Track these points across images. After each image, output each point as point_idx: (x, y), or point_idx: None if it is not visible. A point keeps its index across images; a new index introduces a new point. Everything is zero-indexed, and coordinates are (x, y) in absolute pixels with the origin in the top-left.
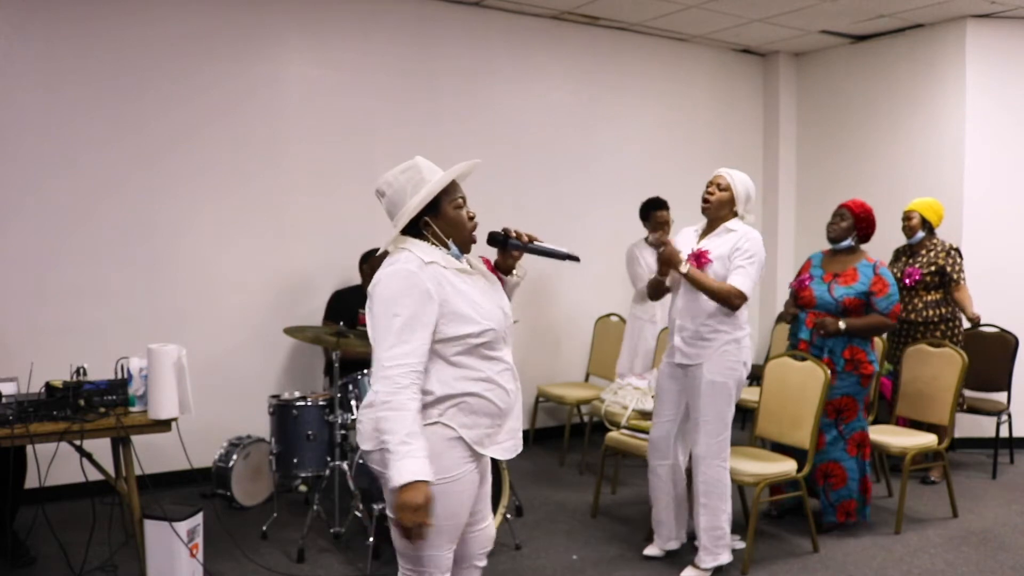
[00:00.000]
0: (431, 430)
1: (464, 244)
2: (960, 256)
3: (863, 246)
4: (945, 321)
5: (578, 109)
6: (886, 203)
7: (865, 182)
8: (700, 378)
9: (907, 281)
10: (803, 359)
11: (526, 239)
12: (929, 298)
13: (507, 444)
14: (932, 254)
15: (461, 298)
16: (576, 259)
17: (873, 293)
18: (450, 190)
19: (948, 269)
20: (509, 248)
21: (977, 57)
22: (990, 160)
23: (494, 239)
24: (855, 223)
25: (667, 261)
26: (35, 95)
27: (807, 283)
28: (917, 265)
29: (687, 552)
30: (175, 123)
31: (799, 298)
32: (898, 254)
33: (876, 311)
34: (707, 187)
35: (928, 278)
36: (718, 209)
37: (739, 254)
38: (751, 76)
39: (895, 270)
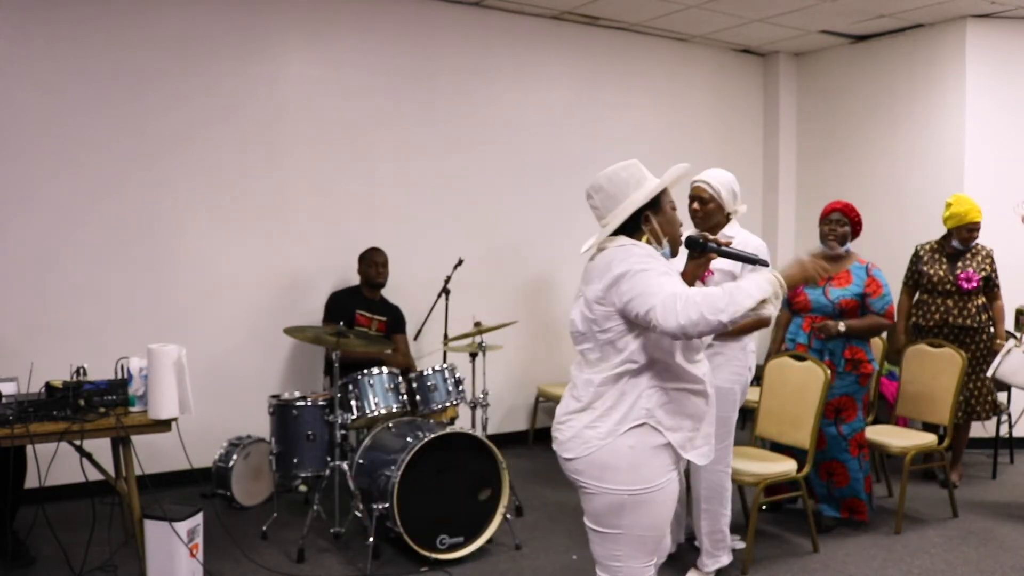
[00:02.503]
0: (638, 432)
1: (675, 244)
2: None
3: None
4: (993, 325)
5: (578, 109)
6: (886, 203)
7: (865, 182)
8: None
9: (966, 285)
10: (803, 359)
11: (723, 242)
12: (980, 302)
13: (703, 450)
14: (979, 258)
15: None
16: (765, 264)
17: (868, 295)
18: (667, 190)
19: (993, 276)
20: (707, 251)
21: (977, 57)
22: (990, 160)
23: (693, 243)
24: (852, 227)
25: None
26: (35, 95)
27: (800, 288)
28: (971, 269)
29: (686, 552)
30: (175, 123)
31: (793, 303)
32: (934, 253)
33: (872, 312)
34: (690, 203)
35: (980, 282)
36: (708, 222)
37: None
38: (751, 76)
39: (942, 271)
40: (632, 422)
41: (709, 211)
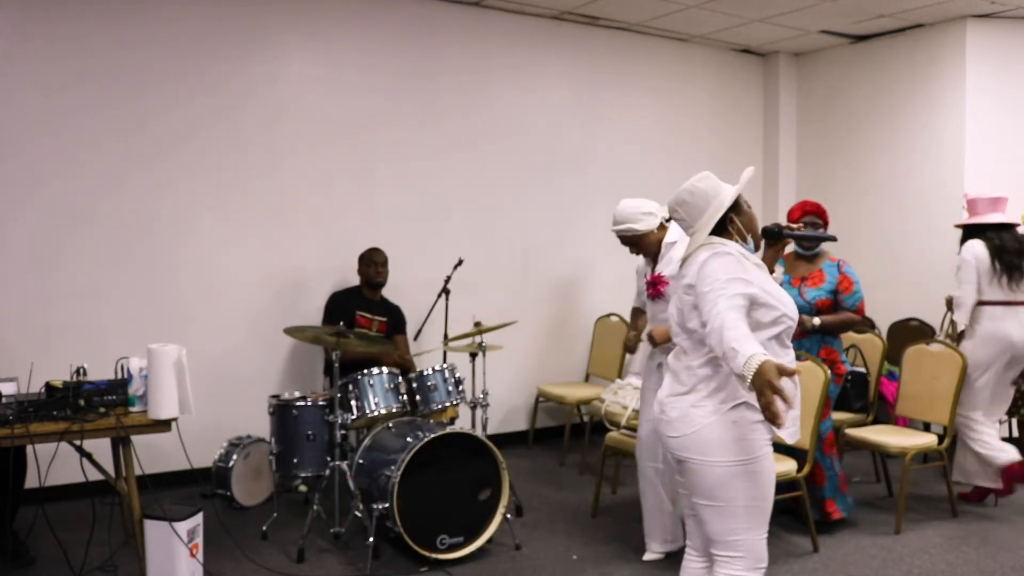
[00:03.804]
0: (740, 410)
1: (757, 239)
2: None
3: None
4: None
5: (578, 109)
6: (886, 203)
7: (865, 182)
8: None
9: None
10: (803, 359)
11: (795, 228)
12: None
13: (792, 430)
14: None
15: (770, 289)
16: (834, 239)
17: (840, 291)
18: (742, 192)
19: None
20: (784, 237)
21: (977, 57)
22: (990, 160)
23: (769, 233)
24: (824, 227)
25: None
26: (35, 95)
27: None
28: None
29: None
30: (175, 123)
31: None
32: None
33: (844, 308)
34: (630, 250)
35: None
36: (651, 249)
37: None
38: (751, 76)
39: None
40: (734, 401)
41: (645, 244)
